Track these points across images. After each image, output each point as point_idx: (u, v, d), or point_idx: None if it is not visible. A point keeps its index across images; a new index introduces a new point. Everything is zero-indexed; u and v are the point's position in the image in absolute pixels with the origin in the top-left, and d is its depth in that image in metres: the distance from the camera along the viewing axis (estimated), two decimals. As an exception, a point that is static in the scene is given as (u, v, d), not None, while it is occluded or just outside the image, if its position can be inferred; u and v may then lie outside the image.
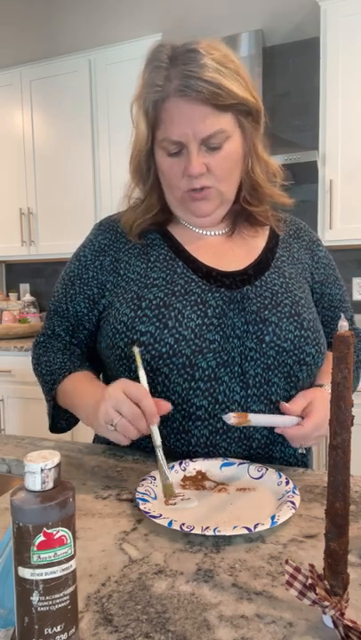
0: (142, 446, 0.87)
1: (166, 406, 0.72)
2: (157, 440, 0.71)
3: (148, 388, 0.72)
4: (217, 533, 0.58)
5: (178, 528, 0.59)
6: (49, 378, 0.90)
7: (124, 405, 0.69)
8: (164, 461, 0.70)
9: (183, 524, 0.60)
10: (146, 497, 0.68)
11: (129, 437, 0.71)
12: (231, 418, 0.71)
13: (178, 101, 0.77)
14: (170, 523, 0.60)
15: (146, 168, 0.87)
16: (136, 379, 0.79)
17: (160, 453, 0.70)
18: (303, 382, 0.85)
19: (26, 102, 2.95)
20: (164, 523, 0.61)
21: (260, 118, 0.85)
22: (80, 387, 0.84)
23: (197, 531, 0.58)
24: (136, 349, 0.76)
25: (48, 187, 2.95)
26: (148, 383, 0.75)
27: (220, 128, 0.79)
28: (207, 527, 0.59)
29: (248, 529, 0.59)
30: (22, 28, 3.16)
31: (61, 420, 0.93)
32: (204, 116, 0.77)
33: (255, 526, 0.59)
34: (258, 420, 0.75)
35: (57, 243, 2.93)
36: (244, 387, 0.81)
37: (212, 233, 0.92)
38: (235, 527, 0.59)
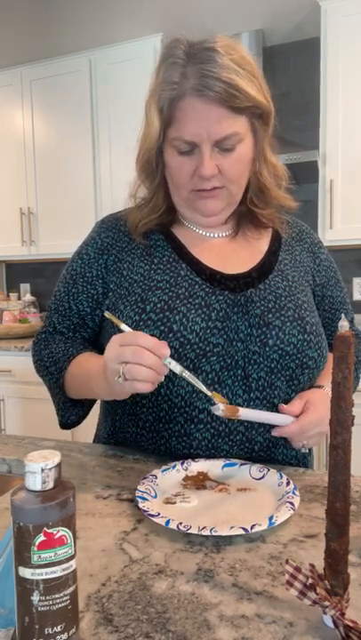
0: (142, 447, 0.87)
1: (163, 342, 0.67)
2: (176, 367, 0.68)
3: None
4: (214, 533, 0.58)
5: (175, 527, 0.59)
6: (53, 368, 0.88)
7: (124, 353, 0.65)
8: (197, 379, 0.69)
9: (180, 524, 0.60)
10: (145, 495, 0.68)
11: (143, 379, 0.65)
12: (220, 409, 0.71)
13: (194, 101, 0.76)
14: (167, 522, 0.60)
15: (154, 165, 0.86)
16: None
17: (187, 375, 0.68)
18: (305, 385, 0.86)
19: (26, 102, 2.95)
20: (162, 522, 0.61)
21: (271, 121, 0.84)
22: (86, 365, 0.83)
23: (194, 530, 0.59)
24: (107, 313, 0.72)
25: (48, 187, 2.96)
26: None
27: (234, 131, 0.78)
28: (204, 527, 0.59)
29: (245, 529, 0.59)
30: (22, 28, 3.16)
31: (71, 415, 0.92)
32: (220, 117, 0.77)
33: (252, 527, 0.59)
34: (249, 414, 0.75)
35: (57, 242, 2.93)
36: (247, 390, 0.81)
37: (216, 235, 0.92)
38: (232, 527, 0.59)
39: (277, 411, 0.81)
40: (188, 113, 0.77)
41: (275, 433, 0.78)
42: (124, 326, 0.71)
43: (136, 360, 0.65)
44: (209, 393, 0.71)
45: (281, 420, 0.78)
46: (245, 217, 0.93)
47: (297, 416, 0.79)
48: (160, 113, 0.80)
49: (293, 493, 0.67)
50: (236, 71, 0.75)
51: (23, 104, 2.96)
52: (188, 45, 0.78)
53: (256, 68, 0.80)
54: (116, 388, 0.69)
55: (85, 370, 0.82)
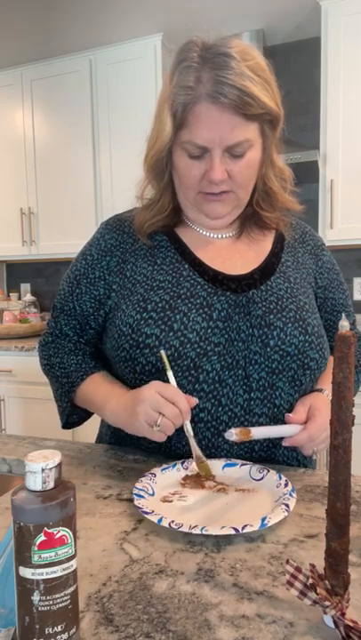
0: (143, 447, 0.88)
1: (195, 401, 0.76)
2: (191, 431, 0.76)
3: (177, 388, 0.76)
4: (204, 532, 0.58)
5: (167, 525, 0.60)
6: (65, 380, 0.90)
7: (165, 407, 0.72)
8: (198, 448, 0.76)
9: (172, 522, 0.60)
10: (142, 493, 0.68)
11: (168, 434, 0.74)
12: (233, 435, 0.71)
13: (208, 106, 0.76)
14: (160, 520, 0.61)
15: (163, 166, 0.86)
16: (141, 381, 0.81)
17: (193, 441, 0.76)
18: (307, 387, 0.86)
19: (27, 102, 2.95)
20: (155, 519, 0.61)
21: (279, 125, 0.84)
22: (104, 389, 0.85)
23: (185, 529, 0.59)
24: (163, 352, 0.77)
25: (49, 186, 2.96)
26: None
27: (246, 138, 0.78)
28: (195, 526, 0.59)
29: (236, 529, 0.58)
30: (22, 28, 3.16)
31: (73, 415, 0.94)
32: (233, 124, 0.76)
33: (244, 527, 0.59)
34: (260, 432, 0.76)
35: (58, 242, 2.93)
36: (248, 390, 0.81)
37: (220, 236, 0.92)
38: (223, 527, 0.59)
39: (280, 415, 0.82)
40: (201, 118, 0.77)
41: (285, 443, 0.78)
42: (170, 373, 0.77)
43: (172, 418, 0.73)
44: (199, 460, 0.76)
45: (290, 431, 0.78)
46: (250, 218, 0.93)
47: (303, 423, 0.79)
48: (173, 117, 0.79)
49: (290, 495, 0.67)
50: (251, 78, 0.75)
51: (24, 104, 2.96)
52: (202, 48, 0.77)
53: (270, 75, 0.80)
54: (137, 429, 0.76)
55: (102, 393, 0.85)
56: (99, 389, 0.86)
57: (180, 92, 0.78)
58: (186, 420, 0.74)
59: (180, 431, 0.82)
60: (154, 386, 0.75)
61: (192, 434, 0.76)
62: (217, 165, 0.79)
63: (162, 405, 0.73)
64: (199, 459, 0.76)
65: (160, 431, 0.73)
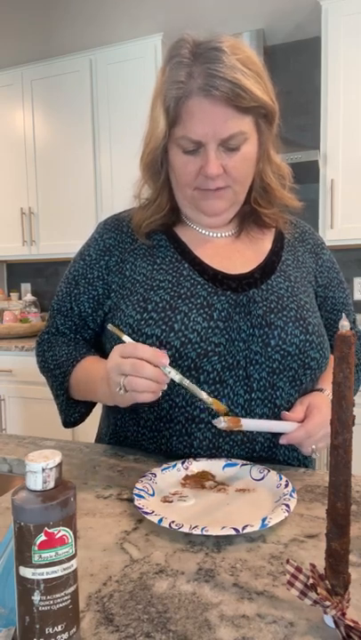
0: (143, 447, 0.87)
1: (162, 352, 0.69)
2: (176, 375, 0.69)
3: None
4: (205, 532, 0.58)
5: (167, 525, 0.60)
6: (58, 372, 0.89)
7: (124, 365, 0.67)
8: (196, 387, 0.71)
9: (173, 522, 0.60)
10: (142, 493, 0.68)
11: (143, 390, 0.67)
12: (222, 422, 0.71)
13: (201, 100, 0.76)
14: (160, 520, 0.61)
15: (159, 165, 0.86)
16: None
17: (187, 383, 0.70)
18: (307, 386, 0.86)
19: (27, 102, 2.95)
20: (155, 519, 0.61)
21: (275, 120, 0.84)
22: (91, 371, 0.83)
23: (185, 529, 0.59)
24: (110, 325, 0.76)
25: (49, 186, 2.96)
26: None
27: (239, 130, 0.78)
28: (196, 526, 0.59)
29: (236, 530, 0.58)
30: (23, 28, 3.17)
31: (74, 413, 0.92)
32: (226, 117, 0.77)
33: (244, 527, 0.59)
34: (252, 424, 0.75)
35: (58, 242, 2.93)
36: (248, 390, 0.81)
37: (219, 235, 0.92)
38: (223, 527, 0.59)
39: (280, 415, 0.81)
40: (194, 112, 0.77)
41: (282, 441, 0.78)
42: (125, 337, 0.74)
43: (135, 372, 0.67)
44: (209, 400, 0.72)
45: (284, 428, 0.77)
46: (249, 217, 0.93)
47: (300, 421, 0.79)
48: (166, 112, 0.80)
49: (291, 496, 0.67)
50: (242, 71, 0.75)
51: (24, 104, 2.96)
52: (194, 45, 0.78)
53: (262, 68, 0.80)
54: (118, 399, 0.72)
55: (91, 375, 0.83)
56: (88, 374, 0.84)
57: (171, 87, 0.78)
58: (164, 367, 0.68)
59: (182, 433, 0.82)
60: (114, 351, 0.70)
61: (178, 377, 0.69)
62: (212, 160, 0.79)
63: (122, 364, 0.68)
64: (208, 398, 0.71)
65: (133, 391, 0.67)
